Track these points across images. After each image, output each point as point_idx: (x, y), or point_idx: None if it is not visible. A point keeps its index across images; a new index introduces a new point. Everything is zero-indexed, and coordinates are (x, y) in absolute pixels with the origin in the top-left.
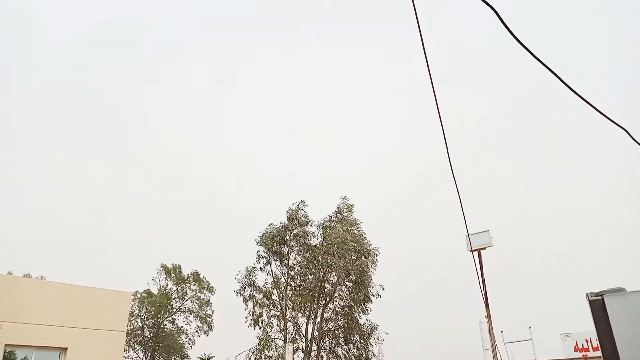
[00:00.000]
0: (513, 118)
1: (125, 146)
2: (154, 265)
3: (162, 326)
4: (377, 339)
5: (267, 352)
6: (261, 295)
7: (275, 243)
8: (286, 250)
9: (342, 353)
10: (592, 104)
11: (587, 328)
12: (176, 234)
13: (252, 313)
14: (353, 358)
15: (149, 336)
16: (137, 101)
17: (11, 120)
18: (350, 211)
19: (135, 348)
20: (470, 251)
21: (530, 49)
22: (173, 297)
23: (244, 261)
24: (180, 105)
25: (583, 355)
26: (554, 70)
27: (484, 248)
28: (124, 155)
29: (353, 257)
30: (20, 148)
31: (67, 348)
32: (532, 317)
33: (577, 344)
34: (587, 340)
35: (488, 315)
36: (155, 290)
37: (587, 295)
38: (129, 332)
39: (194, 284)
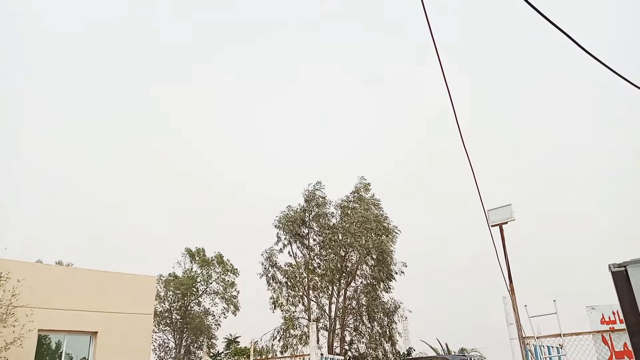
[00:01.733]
0: (526, 87)
1: (133, 136)
2: (166, 253)
3: (189, 308)
4: (401, 316)
5: (292, 331)
6: (283, 276)
7: (295, 225)
8: (306, 231)
9: (366, 330)
10: (610, 66)
11: (614, 300)
12: (183, 224)
13: (276, 294)
14: (377, 335)
15: (177, 318)
16: (148, 99)
17: (17, 116)
18: (367, 190)
19: (165, 330)
20: (491, 226)
21: (540, 10)
22: (198, 279)
23: (264, 245)
24: (183, 100)
25: (610, 327)
26: (566, 31)
27: (506, 223)
28: (132, 148)
29: (373, 236)
30: (25, 144)
31: (97, 332)
32: (557, 290)
33: (603, 317)
34: (613, 313)
35: (511, 290)
36: (180, 274)
37: (609, 267)
38: (158, 314)
39: (218, 267)
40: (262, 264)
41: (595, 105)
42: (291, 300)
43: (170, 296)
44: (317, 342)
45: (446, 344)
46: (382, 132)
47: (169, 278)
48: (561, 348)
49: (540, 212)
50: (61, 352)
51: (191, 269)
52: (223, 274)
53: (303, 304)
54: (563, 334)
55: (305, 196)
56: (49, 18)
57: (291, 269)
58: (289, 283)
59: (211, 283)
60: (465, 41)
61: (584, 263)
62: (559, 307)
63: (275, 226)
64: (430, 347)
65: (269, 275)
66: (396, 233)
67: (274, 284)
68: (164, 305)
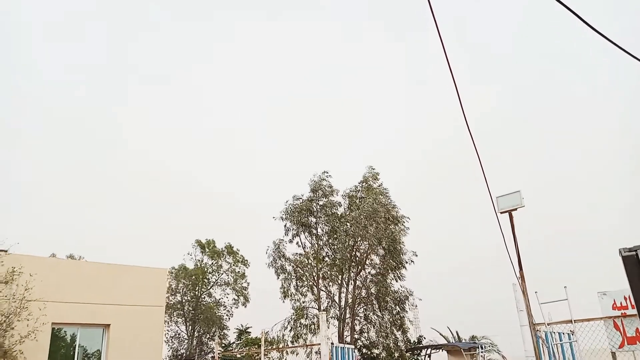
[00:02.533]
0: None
1: (126, 146)
2: (176, 245)
3: (200, 299)
4: (412, 304)
5: (302, 321)
6: (292, 266)
7: (302, 215)
8: (314, 220)
9: (377, 319)
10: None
11: (625, 285)
12: (192, 217)
13: (285, 284)
14: (388, 323)
15: (189, 309)
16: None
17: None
18: (376, 179)
19: (177, 321)
20: (500, 213)
21: None
22: (209, 271)
23: (272, 235)
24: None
25: (622, 313)
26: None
27: (515, 209)
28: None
29: (382, 226)
30: (31, 142)
31: (109, 325)
32: (568, 276)
33: (615, 302)
34: (625, 298)
35: (521, 277)
36: (190, 265)
37: (620, 251)
38: (171, 306)
39: (229, 257)
40: (271, 255)
41: (600, 105)
42: (301, 290)
43: (182, 288)
44: (327, 331)
45: (457, 332)
46: (394, 132)
47: (179, 272)
48: (572, 334)
49: (549, 198)
50: (75, 345)
51: (202, 260)
52: (234, 265)
53: (313, 294)
54: (574, 320)
55: (312, 186)
56: None
57: (300, 258)
58: (297, 273)
59: (222, 274)
60: (470, 41)
61: (594, 249)
62: (569, 293)
63: (282, 218)
64: (441, 334)
65: (278, 265)
66: (405, 221)
67: (283, 274)
68: (175, 297)
